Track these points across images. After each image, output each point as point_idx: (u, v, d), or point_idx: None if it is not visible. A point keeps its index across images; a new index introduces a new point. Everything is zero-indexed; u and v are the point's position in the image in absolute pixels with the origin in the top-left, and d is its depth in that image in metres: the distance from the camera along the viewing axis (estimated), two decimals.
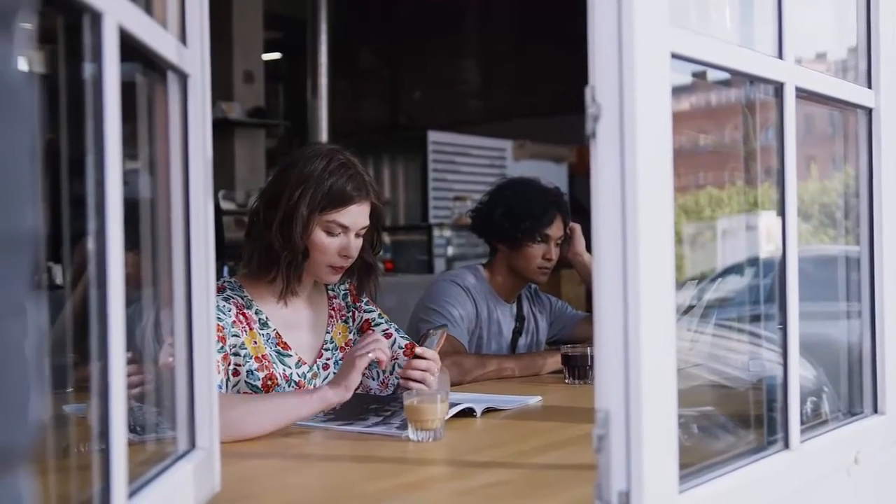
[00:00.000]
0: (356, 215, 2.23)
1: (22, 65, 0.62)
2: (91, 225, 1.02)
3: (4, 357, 0.59)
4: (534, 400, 2.38)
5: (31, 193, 0.61)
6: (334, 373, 2.31)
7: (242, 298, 2.24)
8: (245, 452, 1.82)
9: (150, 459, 1.32)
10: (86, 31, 1.01)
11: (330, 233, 2.21)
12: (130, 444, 1.08)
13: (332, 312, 2.40)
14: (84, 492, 1.11)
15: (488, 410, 2.21)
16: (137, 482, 1.16)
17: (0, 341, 0.58)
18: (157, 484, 1.20)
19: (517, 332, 3.16)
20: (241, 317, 2.19)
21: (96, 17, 1.00)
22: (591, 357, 2.67)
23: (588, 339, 2.98)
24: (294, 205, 2.17)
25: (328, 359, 2.35)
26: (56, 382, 1.30)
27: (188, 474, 1.31)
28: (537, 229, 3.01)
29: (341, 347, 2.37)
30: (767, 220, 1.87)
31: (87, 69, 1.03)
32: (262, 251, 2.22)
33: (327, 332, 2.37)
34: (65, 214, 1.10)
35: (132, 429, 1.23)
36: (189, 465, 1.32)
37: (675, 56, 1.25)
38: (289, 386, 2.23)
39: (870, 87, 1.82)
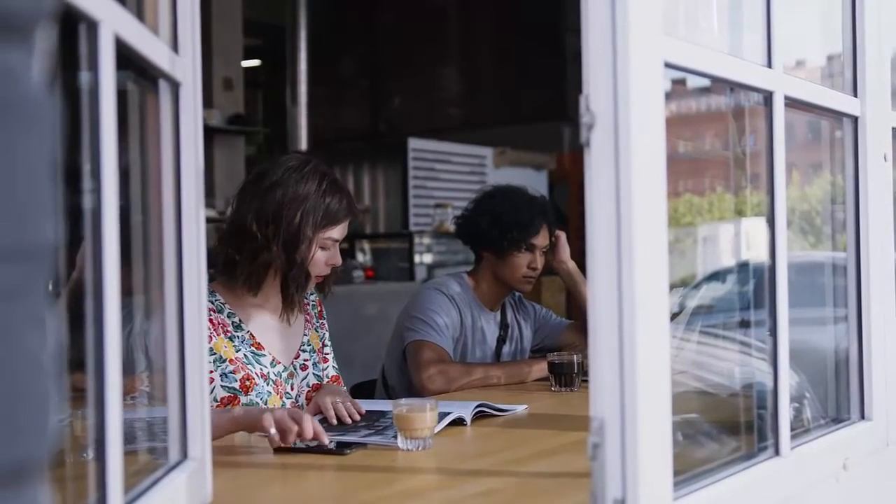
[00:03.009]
0: (345, 228, 2.36)
1: (41, 77, 0.61)
2: (87, 233, 1.01)
3: (24, 368, 0.58)
4: (521, 408, 2.38)
5: (51, 205, 0.61)
6: (314, 373, 2.42)
7: (213, 303, 2.27)
8: (236, 463, 1.81)
9: (142, 470, 1.31)
10: (82, 40, 1.00)
11: (324, 248, 2.31)
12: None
13: (308, 317, 2.48)
14: (77, 502, 1.10)
15: (479, 415, 2.21)
16: (131, 493, 1.15)
17: (20, 353, 0.58)
18: (150, 494, 1.20)
19: (501, 340, 3.16)
20: (207, 322, 2.21)
21: (92, 26, 1.00)
22: (578, 364, 2.68)
23: (572, 347, 2.98)
24: (298, 227, 2.25)
25: (306, 360, 2.42)
26: None
27: (181, 485, 1.31)
28: (524, 239, 3.01)
29: (317, 351, 2.46)
30: (749, 227, 1.88)
31: (83, 77, 1.02)
32: (260, 269, 2.27)
33: (304, 335, 2.44)
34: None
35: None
36: (182, 476, 1.31)
37: (668, 65, 1.26)
38: (266, 384, 2.28)
39: (855, 95, 1.83)
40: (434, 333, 2.89)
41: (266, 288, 2.32)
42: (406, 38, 9.77)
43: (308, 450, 1.88)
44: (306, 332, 2.45)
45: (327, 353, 2.53)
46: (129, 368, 1.48)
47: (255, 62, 9.88)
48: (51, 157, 0.61)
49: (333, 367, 2.53)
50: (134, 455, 1.39)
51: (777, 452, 1.53)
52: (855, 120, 1.85)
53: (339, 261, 2.35)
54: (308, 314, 2.48)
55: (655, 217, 1.21)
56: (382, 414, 2.21)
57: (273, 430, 1.83)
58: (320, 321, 2.53)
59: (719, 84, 1.60)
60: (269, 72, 10.02)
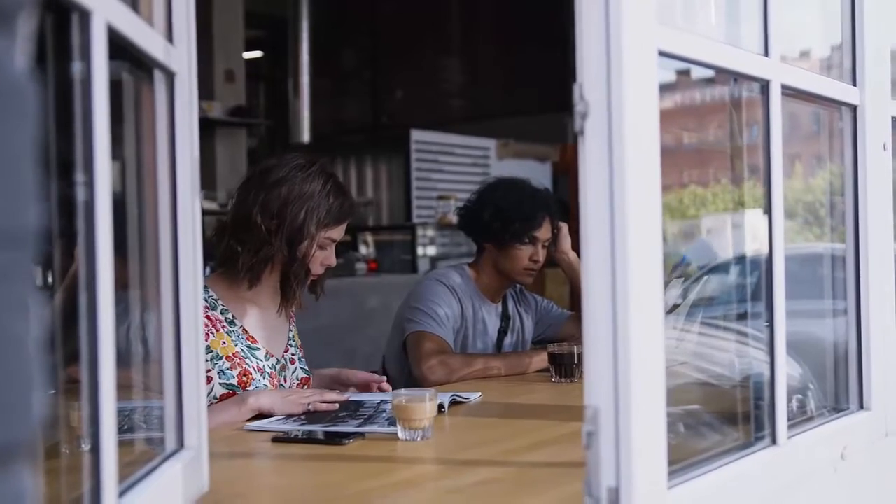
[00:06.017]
0: (343, 230, 2.40)
1: (23, 63, 0.62)
2: (78, 225, 1.01)
3: (8, 352, 0.59)
4: (474, 396, 2.40)
5: (33, 191, 0.61)
6: (301, 368, 2.47)
7: (206, 300, 2.28)
8: (233, 452, 1.81)
9: (138, 459, 1.31)
10: (74, 30, 1.00)
11: (322, 247, 2.35)
12: (118, 443, 1.07)
13: (292, 315, 2.52)
14: (72, 492, 1.10)
15: (481, 407, 2.23)
16: (127, 482, 1.16)
17: (4, 337, 0.58)
18: (146, 483, 1.20)
19: (503, 332, 3.16)
20: (204, 319, 2.22)
21: (85, 16, 1.00)
22: (578, 355, 2.68)
23: (574, 338, 2.98)
24: (302, 224, 2.28)
25: (293, 354, 2.47)
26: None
27: (177, 474, 1.31)
28: (526, 231, 3.00)
29: (299, 346, 2.52)
30: (752, 219, 1.88)
31: (75, 67, 1.02)
32: (261, 262, 2.30)
33: (290, 330, 2.49)
34: (48, 214, 1.09)
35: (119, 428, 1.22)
36: (178, 465, 1.32)
37: (662, 53, 1.25)
38: (263, 378, 2.31)
39: (854, 84, 1.83)
40: (435, 324, 2.89)
41: (262, 282, 2.33)
42: (408, 29, 9.76)
43: (306, 440, 1.89)
44: (291, 328, 2.50)
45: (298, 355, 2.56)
46: (131, 362, 1.48)
47: (257, 54, 9.89)
48: (33, 144, 0.62)
49: (303, 368, 2.54)
50: (131, 444, 1.40)
51: (774, 442, 1.53)
52: (854, 109, 1.84)
53: (333, 262, 2.40)
54: (291, 311, 2.52)
55: (649, 205, 1.21)
56: (360, 403, 2.22)
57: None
58: (293, 323, 2.57)
59: (722, 74, 1.60)
60: (270, 64, 10.03)
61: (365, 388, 2.46)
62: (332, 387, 2.48)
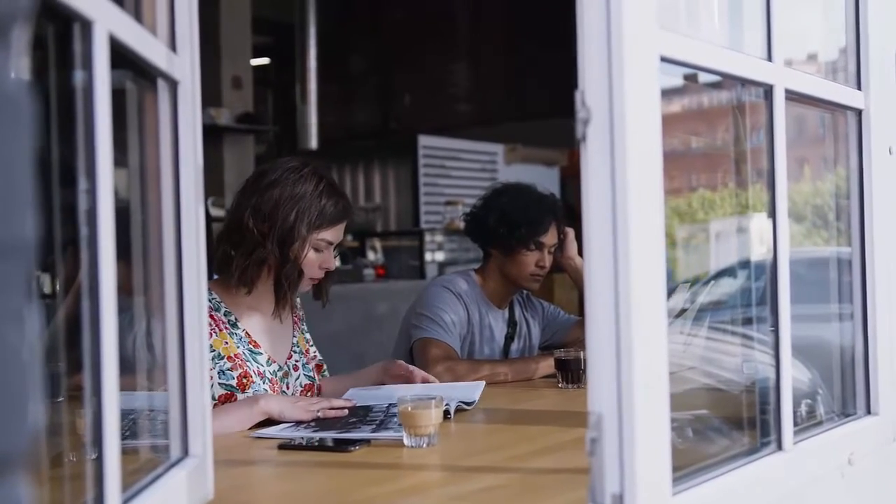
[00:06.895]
0: (341, 232, 2.39)
1: (19, 73, 0.62)
2: (83, 233, 1.02)
3: (3, 363, 0.59)
4: (478, 388, 2.42)
5: (29, 201, 0.62)
6: (304, 374, 2.46)
7: (210, 301, 2.29)
8: (238, 460, 1.81)
9: (143, 467, 1.32)
10: (76, 39, 1.01)
11: (317, 249, 2.34)
12: (123, 451, 1.07)
13: (296, 320, 2.52)
14: (77, 500, 1.10)
15: (459, 410, 2.24)
16: (130, 490, 1.16)
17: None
18: (150, 491, 1.20)
19: (509, 338, 3.16)
20: (208, 319, 2.24)
21: (87, 25, 1.00)
22: (584, 361, 2.67)
23: (581, 343, 2.98)
24: (293, 225, 2.28)
25: (297, 361, 2.47)
26: (47, 391, 1.29)
27: (181, 482, 1.31)
28: (532, 237, 3.00)
29: (304, 353, 2.50)
30: (760, 223, 1.87)
31: (78, 77, 1.02)
32: (254, 265, 2.30)
33: (294, 336, 2.49)
34: (53, 223, 1.09)
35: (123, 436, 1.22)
36: (182, 473, 1.32)
37: (664, 59, 1.25)
38: (263, 382, 2.31)
39: (859, 88, 1.82)
40: (441, 331, 2.89)
41: (260, 287, 2.34)
42: (415, 34, 9.76)
43: (312, 447, 1.89)
44: (295, 333, 2.50)
45: (315, 351, 2.56)
46: (136, 370, 1.49)
47: (265, 60, 9.88)
48: (29, 154, 0.62)
49: (307, 374, 2.53)
50: (135, 452, 1.40)
51: (780, 447, 1.52)
52: (859, 113, 1.84)
53: (331, 265, 2.38)
54: (296, 316, 2.53)
55: (652, 212, 1.21)
56: (369, 409, 2.22)
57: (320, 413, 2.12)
58: (304, 328, 2.57)
59: (726, 79, 1.59)
60: (278, 70, 10.03)
61: (408, 380, 2.47)
62: (384, 381, 2.50)
